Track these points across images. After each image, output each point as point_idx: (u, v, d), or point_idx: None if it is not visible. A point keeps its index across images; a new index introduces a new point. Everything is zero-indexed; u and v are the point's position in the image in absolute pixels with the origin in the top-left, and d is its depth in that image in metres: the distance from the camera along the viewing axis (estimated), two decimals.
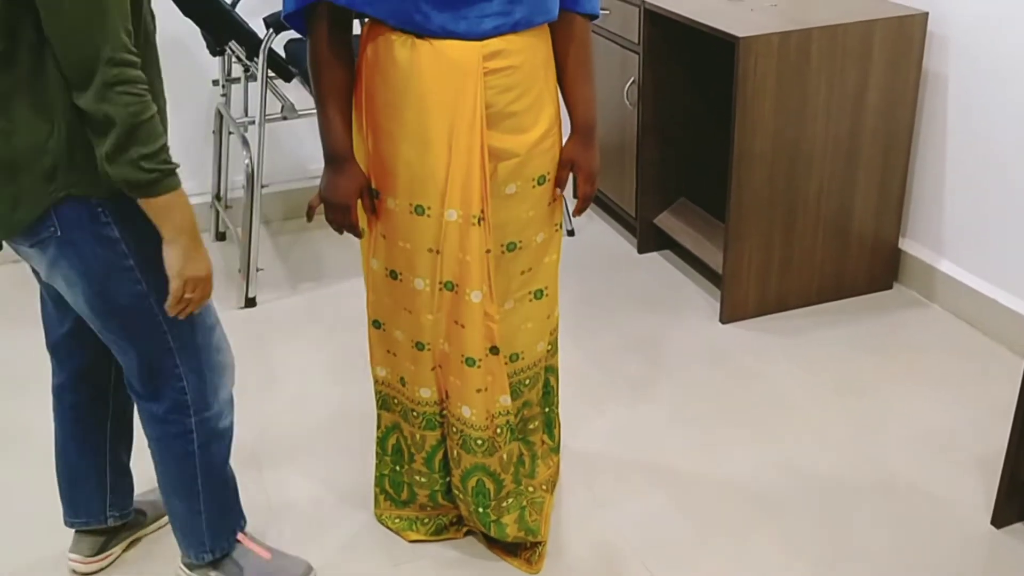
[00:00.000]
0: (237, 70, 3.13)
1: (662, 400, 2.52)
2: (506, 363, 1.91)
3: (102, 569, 2.01)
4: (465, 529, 2.08)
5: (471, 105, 1.70)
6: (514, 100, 1.75)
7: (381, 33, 1.71)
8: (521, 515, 1.98)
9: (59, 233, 1.57)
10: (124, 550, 2.05)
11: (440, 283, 1.81)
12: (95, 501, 1.95)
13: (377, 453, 2.09)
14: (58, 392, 1.88)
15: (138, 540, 2.08)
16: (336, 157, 1.78)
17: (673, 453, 2.33)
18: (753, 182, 2.70)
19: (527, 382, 2.02)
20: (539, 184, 1.85)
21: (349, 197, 1.79)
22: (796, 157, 2.71)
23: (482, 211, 1.75)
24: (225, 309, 2.96)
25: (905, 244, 2.99)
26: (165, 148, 1.49)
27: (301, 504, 2.20)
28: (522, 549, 2.01)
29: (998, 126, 2.61)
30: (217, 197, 3.40)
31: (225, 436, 1.83)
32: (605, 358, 2.70)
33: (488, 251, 1.78)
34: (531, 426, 2.08)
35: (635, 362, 2.68)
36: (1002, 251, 2.69)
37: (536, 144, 1.81)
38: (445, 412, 1.96)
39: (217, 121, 3.27)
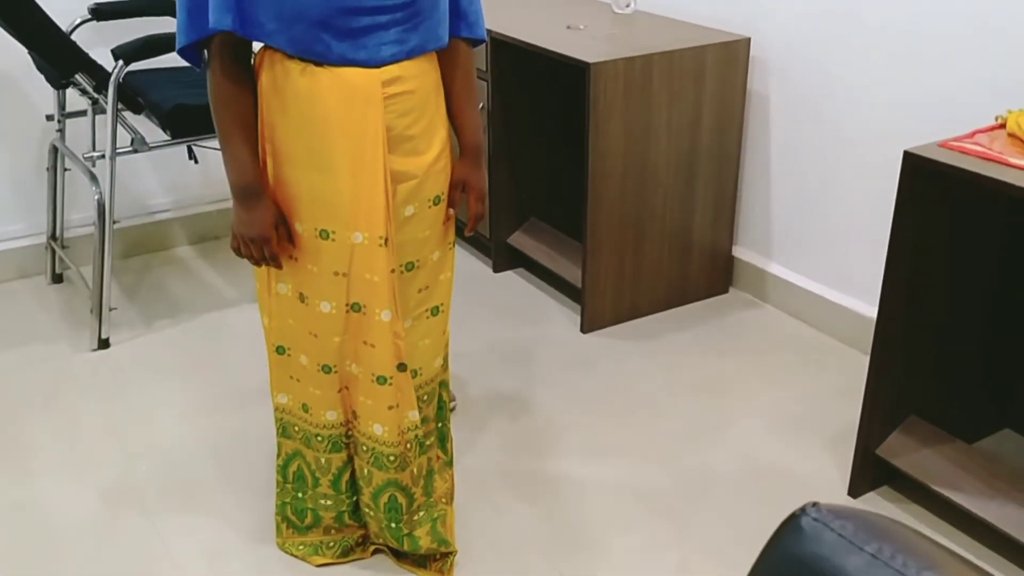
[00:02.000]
0: (77, 103, 3.00)
1: (539, 409, 2.63)
2: None
3: None
4: (372, 548, 2.10)
5: (373, 130, 1.75)
6: (411, 124, 1.81)
7: (278, 61, 1.73)
8: (433, 527, 2.03)
9: None
10: None
11: (347, 305, 1.84)
12: None
13: (278, 481, 2.07)
14: None
15: None
16: (248, 191, 1.77)
17: (557, 459, 2.44)
18: (606, 199, 2.87)
19: (425, 398, 2.07)
20: (435, 204, 1.92)
21: (266, 230, 1.78)
22: (643, 175, 2.91)
23: (387, 232, 1.80)
24: (77, 352, 2.83)
25: (737, 251, 3.25)
26: None
27: (202, 544, 2.14)
28: (432, 561, 2.06)
29: (814, 139, 2.91)
30: (53, 237, 3.24)
31: None
32: (479, 373, 2.78)
33: (393, 271, 1.83)
34: (427, 442, 2.13)
35: (508, 375, 2.78)
36: (824, 252, 2.98)
37: (431, 165, 1.88)
38: (351, 432, 1.98)
39: (52, 157, 3.13)
